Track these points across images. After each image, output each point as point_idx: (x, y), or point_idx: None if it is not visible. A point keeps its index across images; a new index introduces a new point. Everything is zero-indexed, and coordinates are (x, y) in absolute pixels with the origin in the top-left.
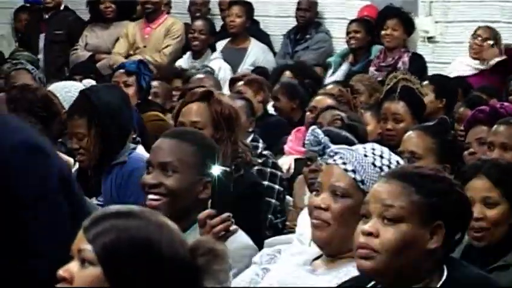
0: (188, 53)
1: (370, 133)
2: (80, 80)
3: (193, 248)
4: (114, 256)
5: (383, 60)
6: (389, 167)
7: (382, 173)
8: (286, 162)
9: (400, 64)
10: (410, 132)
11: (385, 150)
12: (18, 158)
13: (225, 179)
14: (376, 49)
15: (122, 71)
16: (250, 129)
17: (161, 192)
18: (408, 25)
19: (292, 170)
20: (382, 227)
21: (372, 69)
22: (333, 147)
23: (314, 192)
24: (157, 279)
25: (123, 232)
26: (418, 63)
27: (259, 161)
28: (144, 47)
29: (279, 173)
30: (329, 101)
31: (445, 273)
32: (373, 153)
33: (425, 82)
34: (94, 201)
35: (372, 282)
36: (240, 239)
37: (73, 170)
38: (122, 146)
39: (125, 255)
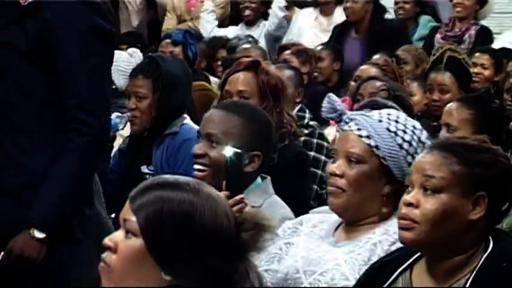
0: (241, 24)
1: (416, 103)
2: (126, 49)
3: (240, 222)
4: (155, 228)
5: (451, 29)
6: (404, 131)
7: (397, 138)
8: (331, 133)
9: (466, 36)
10: (450, 104)
11: (402, 115)
12: None
13: (237, 161)
14: (424, 20)
15: (168, 40)
16: (298, 100)
17: (205, 163)
18: None
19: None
20: (423, 197)
21: (438, 36)
22: (349, 113)
23: (331, 160)
24: (198, 253)
25: (166, 204)
26: (484, 37)
27: (306, 131)
28: (191, 19)
29: (325, 144)
30: (373, 71)
31: (491, 244)
32: (388, 119)
33: (477, 54)
34: (145, 170)
35: (418, 254)
36: (283, 210)
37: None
38: (176, 117)
39: (166, 228)
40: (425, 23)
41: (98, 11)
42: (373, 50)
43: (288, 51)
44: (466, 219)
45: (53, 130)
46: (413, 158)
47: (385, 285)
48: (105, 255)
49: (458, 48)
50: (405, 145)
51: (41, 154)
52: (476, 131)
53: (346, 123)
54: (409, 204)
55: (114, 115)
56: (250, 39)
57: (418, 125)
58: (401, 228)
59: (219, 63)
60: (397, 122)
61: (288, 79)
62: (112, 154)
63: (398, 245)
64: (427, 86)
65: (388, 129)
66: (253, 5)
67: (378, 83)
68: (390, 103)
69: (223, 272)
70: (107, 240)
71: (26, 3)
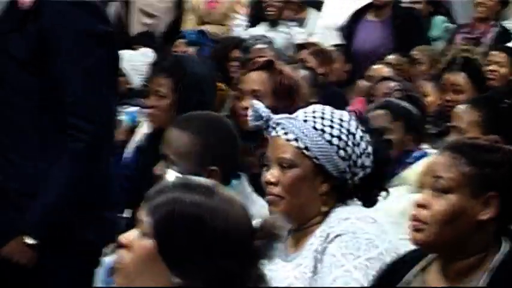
0: (264, 24)
1: (430, 104)
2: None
3: (257, 228)
4: (166, 229)
5: (471, 30)
6: (331, 127)
7: (325, 135)
8: None
9: (484, 39)
10: (459, 107)
11: (327, 109)
12: None
13: None
14: (438, 20)
15: (182, 41)
16: (312, 100)
17: None
18: None
19: None
20: (432, 198)
21: (458, 37)
22: (274, 118)
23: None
24: (209, 256)
25: (177, 205)
26: (503, 40)
27: None
28: (211, 21)
29: None
30: (386, 70)
31: (504, 246)
32: (314, 116)
33: (494, 52)
34: None
35: (432, 254)
36: (264, 211)
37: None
38: None
39: (177, 229)
40: (439, 23)
41: (93, 12)
42: (397, 31)
43: (305, 51)
44: (476, 220)
45: (52, 134)
46: (345, 151)
47: (399, 285)
48: (120, 251)
49: (472, 48)
50: (334, 140)
51: (41, 159)
52: (485, 132)
53: (273, 128)
54: (419, 206)
55: (135, 109)
56: (266, 39)
57: (345, 116)
58: (412, 229)
59: (232, 63)
60: (323, 118)
61: (302, 79)
62: (129, 149)
63: (331, 236)
64: (442, 86)
65: (315, 128)
66: (276, 3)
67: (392, 84)
68: (404, 103)
69: (233, 276)
70: (121, 238)
71: (24, 8)
